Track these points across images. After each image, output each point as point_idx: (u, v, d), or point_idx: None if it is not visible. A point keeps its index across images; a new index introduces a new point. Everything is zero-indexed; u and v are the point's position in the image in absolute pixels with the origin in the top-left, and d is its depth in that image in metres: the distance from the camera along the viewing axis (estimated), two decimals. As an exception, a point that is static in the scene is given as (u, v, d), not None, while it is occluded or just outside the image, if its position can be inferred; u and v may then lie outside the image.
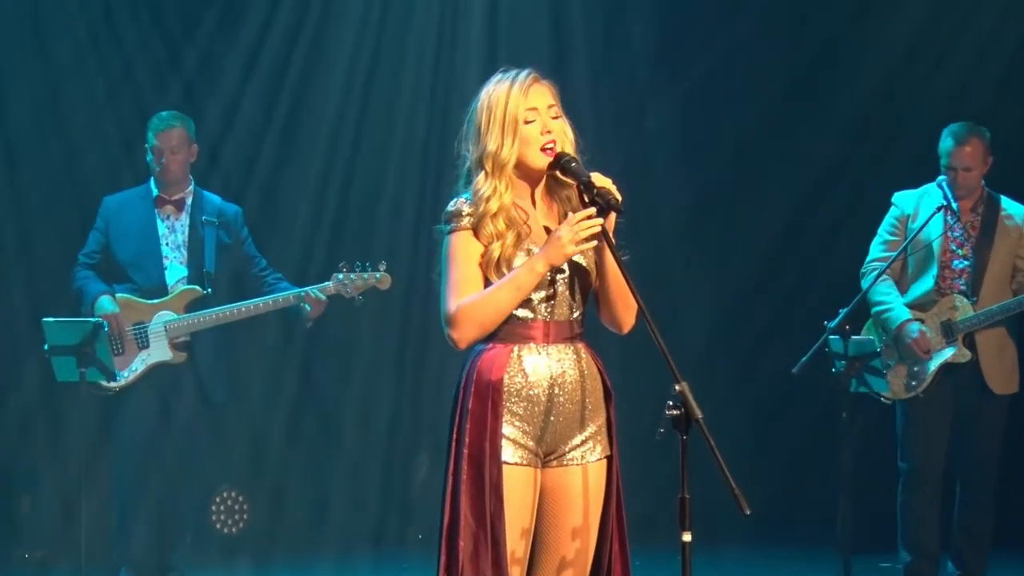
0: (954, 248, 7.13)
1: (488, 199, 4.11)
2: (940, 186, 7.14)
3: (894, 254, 7.10)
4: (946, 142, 7.13)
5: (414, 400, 9.22)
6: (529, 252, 4.12)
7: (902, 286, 7.18)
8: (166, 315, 7.28)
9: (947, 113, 7.77)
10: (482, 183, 4.13)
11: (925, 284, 7.15)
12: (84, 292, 7.36)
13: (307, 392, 9.23)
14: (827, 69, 9.19)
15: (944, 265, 7.13)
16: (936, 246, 7.09)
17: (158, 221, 7.41)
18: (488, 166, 4.13)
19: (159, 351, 7.27)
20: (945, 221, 7.10)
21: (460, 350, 4.15)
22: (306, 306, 7.30)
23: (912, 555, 7.18)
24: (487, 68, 8.71)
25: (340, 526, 9.14)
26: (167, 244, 7.41)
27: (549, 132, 4.14)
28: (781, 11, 9.20)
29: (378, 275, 7.41)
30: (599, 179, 4.10)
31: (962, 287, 7.10)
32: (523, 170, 4.16)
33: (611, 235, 4.08)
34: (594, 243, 4.03)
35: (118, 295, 7.30)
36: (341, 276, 7.36)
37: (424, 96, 9.18)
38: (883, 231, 7.25)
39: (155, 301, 7.30)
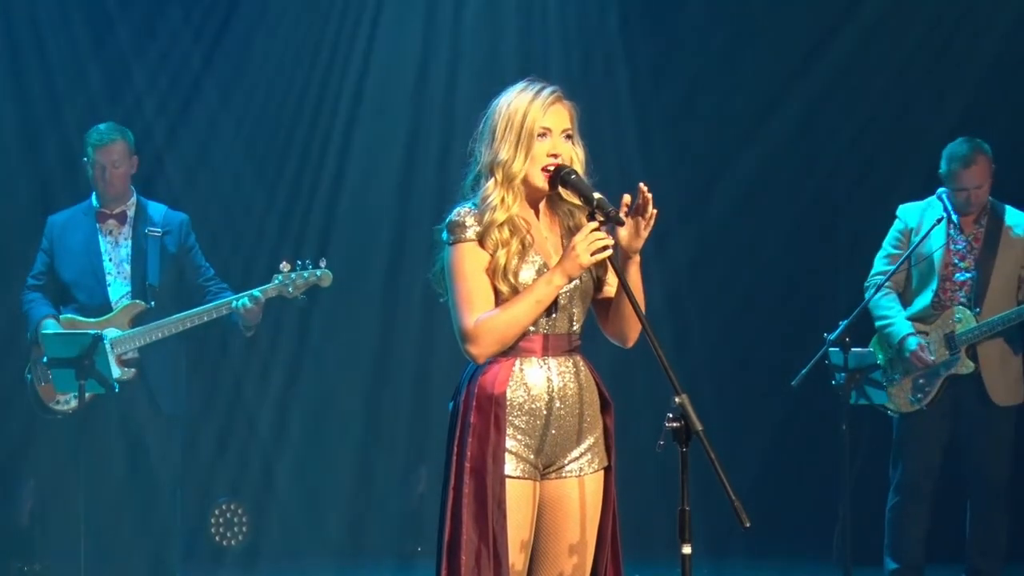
0: (956, 261, 7.14)
1: (495, 208, 4.11)
2: (940, 198, 7.14)
3: (894, 268, 7.10)
4: (952, 164, 7.11)
5: (412, 410, 9.21)
6: (534, 263, 4.12)
7: (905, 300, 7.19)
8: (111, 332, 7.19)
9: (949, 120, 7.77)
10: (491, 191, 4.13)
11: (924, 298, 7.16)
12: (29, 317, 7.30)
13: (302, 402, 9.22)
14: (828, 75, 9.18)
15: (945, 278, 7.13)
16: (937, 259, 7.09)
17: (100, 237, 7.33)
18: (498, 175, 4.13)
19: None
20: (947, 234, 7.10)
21: (479, 364, 4.13)
22: (238, 309, 7.17)
23: (898, 564, 7.21)
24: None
25: (337, 539, 9.13)
26: (110, 260, 7.31)
27: (555, 156, 4.14)
28: (779, 14, 9.19)
29: (319, 272, 7.25)
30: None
31: (963, 299, 7.10)
32: (526, 184, 4.16)
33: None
34: (607, 254, 4.03)
35: (62, 316, 7.22)
36: (281, 277, 7.22)
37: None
38: (887, 244, 7.25)
39: (98, 319, 7.23)
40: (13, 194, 8.71)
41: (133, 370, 7.23)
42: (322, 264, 7.26)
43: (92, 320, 7.22)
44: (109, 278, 7.30)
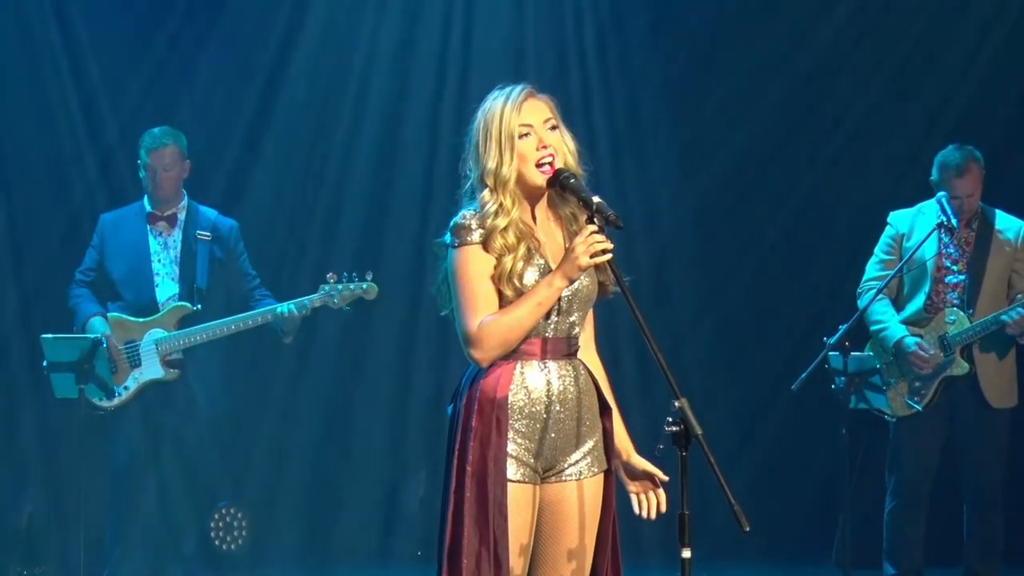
0: (948, 264, 7.16)
1: (496, 215, 4.10)
2: (940, 202, 7.15)
3: (890, 273, 7.12)
4: (946, 173, 7.13)
5: (413, 415, 9.20)
6: (538, 265, 4.12)
7: (898, 305, 7.20)
8: (157, 333, 7.27)
9: (947, 126, 7.74)
10: (488, 199, 4.12)
11: (917, 302, 7.18)
12: (77, 313, 7.38)
13: (304, 406, 9.21)
14: (826, 80, 9.18)
15: (937, 280, 7.15)
16: (930, 265, 7.11)
17: (150, 238, 7.41)
18: (491, 183, 4.12)
19: (151, 369, 7.26)
20: (939, 239, 7.12)
21: (482, 368, 4.12)
22: (282, 315, 7.23)
23: (896, 570, 7.21)
24: (482, 75, 8.81)
25: (337, 543, 9.12)
26: (159, 261, 7.39)
27: (545, 147, 4.13)
28: (781, 18, 9.19)
29: (364, 285, 7.32)
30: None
31: (955, 301, 7.12)
32: (523, 186, 4.16)
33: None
34: (607, 256, 4.03)
35: (110, 315, 7.30)
36: (328, 288, 7.28)
37: (416, 103, 9.13)
38: (879, 250, 7.28)
39: (146, 319, 7.29)
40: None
41: (176, 371, 7.32)
42: (368, 277, 7.32)
43: (139, 320, 7.27)
44: (157, 279, 7.37)
